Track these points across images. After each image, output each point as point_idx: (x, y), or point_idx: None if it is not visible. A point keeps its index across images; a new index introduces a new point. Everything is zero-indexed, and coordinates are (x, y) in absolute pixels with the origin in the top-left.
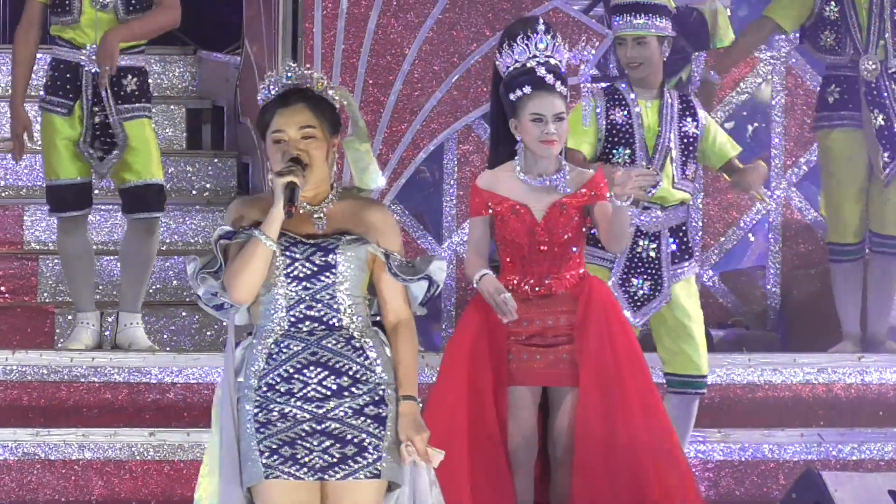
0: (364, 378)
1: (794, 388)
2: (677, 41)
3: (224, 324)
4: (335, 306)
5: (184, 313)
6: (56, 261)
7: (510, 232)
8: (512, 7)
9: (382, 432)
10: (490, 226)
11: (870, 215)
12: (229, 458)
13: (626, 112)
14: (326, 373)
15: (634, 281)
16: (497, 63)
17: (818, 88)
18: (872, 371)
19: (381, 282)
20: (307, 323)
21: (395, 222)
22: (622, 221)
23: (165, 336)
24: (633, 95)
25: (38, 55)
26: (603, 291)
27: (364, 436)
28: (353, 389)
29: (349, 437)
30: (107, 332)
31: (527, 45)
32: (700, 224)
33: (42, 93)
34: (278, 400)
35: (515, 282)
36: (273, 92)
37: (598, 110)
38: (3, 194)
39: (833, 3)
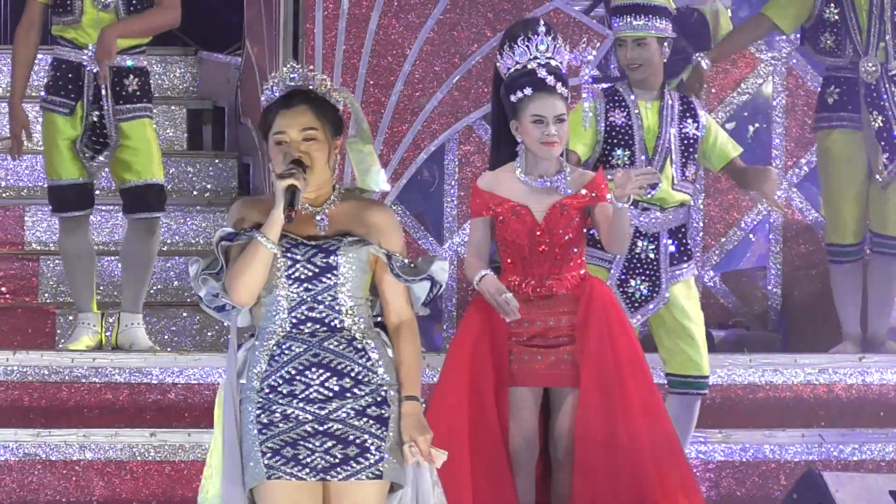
0: (366, 379)
1: (795, 388)
2: (678, 42)
3: (225, 324)
4: (337, 308)
5: (185, 314)
6: (57, 261)
7: (511, 233)
8: (513, 8)
9: (384, 433)
10: (491, 227)
11: (870, 216)
12: (231, 460)
13: (625, 113)
14: (328, 374)
15: (632, 282)
16: (498, 64)
17: (819, 89)
18: (873, 371)
19: (384, 283)
20: (309, 324)
21: (397, 223)
22: (623, 223)
23: (166, 336)
24: (633, 97)
25: (39, 55)
26: (604, 292)
27: (366, 437)
28: (356, 390)
29: (351, 437)
30: (108, 333)
31: (528, 46)
32: (701, 225)
33: (43, 93)
34: (280, 401)
35: (516, 283)
36: (276, 93)
37: (597, 112)
38: (4, 195)
39: (833, 4)
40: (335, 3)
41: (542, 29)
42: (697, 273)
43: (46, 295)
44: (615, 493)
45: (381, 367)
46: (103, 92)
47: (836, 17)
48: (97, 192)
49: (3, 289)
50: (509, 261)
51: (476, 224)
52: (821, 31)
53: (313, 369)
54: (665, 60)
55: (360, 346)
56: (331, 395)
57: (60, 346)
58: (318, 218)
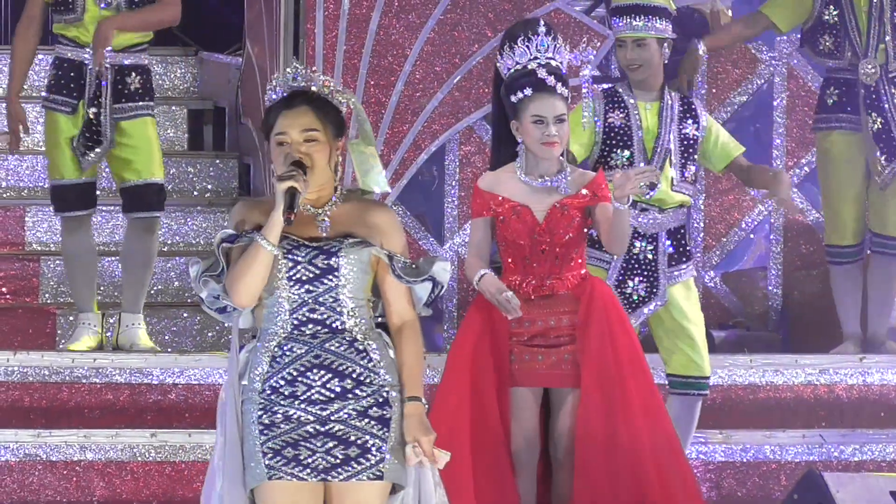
0: (368, 380)
1: (795, 388)
2: (678, 43)
3: (226, 325)
4: (338, 309)
5: (185, 314)
6: (58, 262)
7: (511, 233)
8: (513, 8)
9: (386, 434)
10: (491, 227)
11: (870, 216)
12: (233, 460)
13: (624, 114)
14: (330, 375)
15: (630, 283)
16: (498, 65)
17: (819, 89)
18: (874, 372)
19: (385, 284)
20: (310, 326)
21: (399, 223)
22: (623, 223)
23: (167, 337)
24: (632, 98)
25: (40, 56)
26: (604, 291)
27: (367, 437)
28: (357, 391)
29: (352, 438)
30: (108, 333)
31: (528, 46)
32: (702, 225)
33: (45, 92)
34: (282, 403)
35: (517, 282)
36: (278, 94)
37: (596, 113)
38: (4, 195)
39: (832, 6)
40: (336, 4)
41: (542, 29)
42: (697, 274)
43: (47, 295)
44: (615, 494)
45: (382, 368)
46: (103, 83)
47: (836, 18)
48: (98, 192)
49: (4, 289)
50: (510, 261)
51: (477, 224)
52: (820, 32)
53: (315, 370)
54: (665, 61)
55: (361, 347)
56: (332, 396)
57: (61, 346)
58: (319, 219)
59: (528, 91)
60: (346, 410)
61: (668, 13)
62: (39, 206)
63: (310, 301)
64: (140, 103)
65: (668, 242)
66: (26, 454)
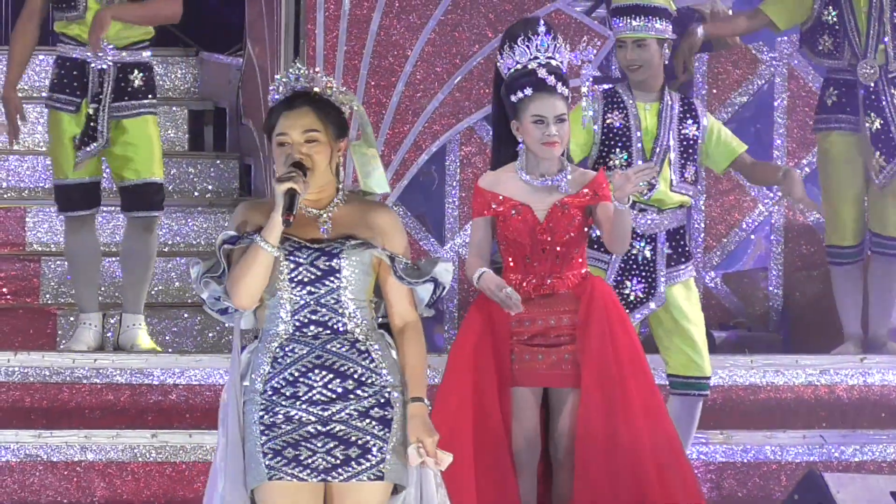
0: (369, 381)
1: (796, 389)
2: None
3: (227, 326)
4: (340, 310)
5: (186, 315)
6: (58, 262)
7: (512, 232)
8: (514, 9)
9: (387, 434)
10: (492, 226)
11: (870, 216)
12: (234, 461)
13: (623, 115)
14: (331, 376)
15: (628, 283)
16: (498, 64)
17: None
18: (875, 373)
19: (387, 285)
20: (312, 327)
21: (401, 224)
22: (624, 223)
23: (168, 337)
24: (632, 99)
25: (41, 56)
26: (605, 291)
27: (368, 437)
28: (359, 392)
29: (353, 438)
30: (109, 334)
31: (528, 46)
32: (702, 226)
33: (48, 91)
34: (284, 403)
35: (517, 282)
36: (280, 94)
37: (594, 114)
38: (5, 196)
39: (831, 7)
40: (336, 4)
41: (542, 29)
42: (697, 274)
43: (48, 296)
44: (616, 494)
45: (384, 369)
46: (106, 88)
47: (835, 19)
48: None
49: (5, 289)
50: (510, 260)
51: (477, 224)
52: (819, 33)
53: (316, 371)
54: (665, 62)
55: (363, 348)
56: (334, 396)
57: (62, 346)
58: (321, 221)
59: (528, 91)
60: (347, 411)
61: (669, 14)
62: (40, 207)
63: (311, 303)
64: (143, 101)
65: (667, 243)
66: (27, 455)
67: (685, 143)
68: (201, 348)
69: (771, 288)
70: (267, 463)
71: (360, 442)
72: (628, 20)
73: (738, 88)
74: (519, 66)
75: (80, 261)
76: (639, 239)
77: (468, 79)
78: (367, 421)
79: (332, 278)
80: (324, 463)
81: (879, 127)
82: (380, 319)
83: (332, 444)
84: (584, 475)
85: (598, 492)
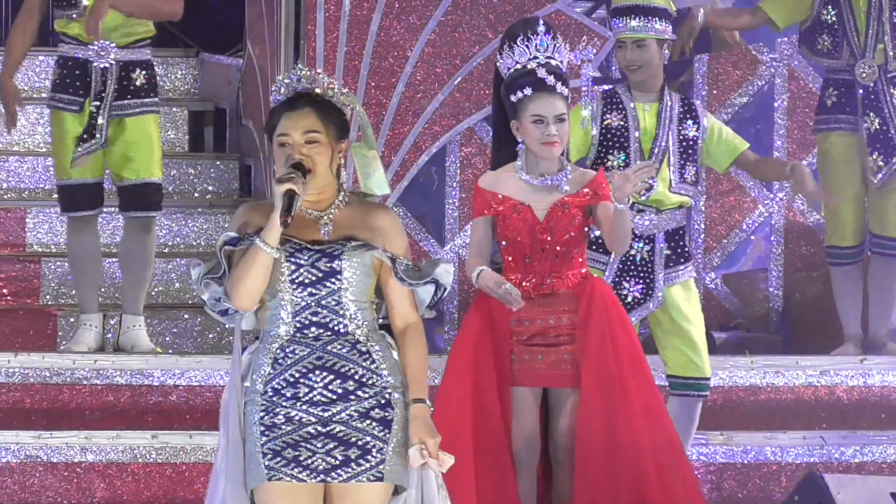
0: (370, 382)
1: (796, 390)
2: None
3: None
4: (341, 312)
5: (186, 316)
6: (58, 263)
7: (512, 231)
8: (514, 9)
9: (387, 435)
10: (492, 226)
11: (870, 217)
12: (235, 461)
13: (622, 116)
14: (332, 377)
15: (626, 284)
16: (498, 64)
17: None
18: (875, 373)
19: (388, 286)
20: (313, 329)
21: (401, 226)
22: (624, 223)
23: (168, 338)
24: (631, 99)
25: (41, 56)
26: (605, 291)
27: (368, 438)
28: (359, 393)
29: (353, 439)
30: (109, 335)
31: (527, 46)
32: (702, 227)
33: (51, 91)
34: (284, 404)
35: (517, 281)
36: (282, 94)
37: (593, 114)
38: (5, 196)
39: (830, 6)
40: (336, 5)
41: (541, 28)
42: (697, 275)
43: (48, 297)
44: (615, 494)
45: (385, 370)
46: (109, 86)
47: (834, 18)
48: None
49: (5, 290)
50: (510, 259)
51: (477, 223)
52: (818, 32)
53: (317, 372)
54: (665, 62)
55: (364, 349)
56: (334, 397)
57: (62, 347)
58: (322, 223)
59: (527, 91)
60: (347, 412)
61: (669, 14)
62: (40, 208)
63: (312, 304)
64: (145, 99)
65: (665, 244)
66: (27, 455)
67: (685, 143)
68: (202, 349)
69: (771, 289)
70: (266, 463)
71: (359, 443)
72: (628, 20)
73: (738, 89)
74: (518, 66)
75: (82, 261)
76: (637, 240)
77: (468, 80)
78: (368, 422)
79: (333, 280)
80: (323, 464)
81: (878, 127)
82: (380, 320)
83: (331, 445)
84: (584, 475)
85: (598, 492)
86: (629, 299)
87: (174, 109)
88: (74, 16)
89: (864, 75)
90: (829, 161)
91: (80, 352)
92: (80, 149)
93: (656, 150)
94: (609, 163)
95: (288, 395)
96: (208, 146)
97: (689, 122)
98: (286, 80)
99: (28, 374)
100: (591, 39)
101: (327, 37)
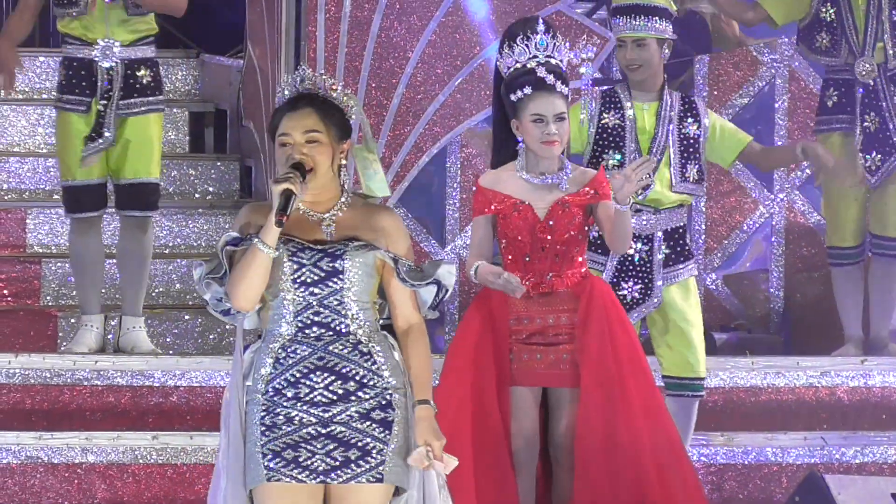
0: (371, 383)
1: (797, 391)
2: (680, 44)
3: (228, 327)
4: (343, 312)
5: (187, 317)
6: (59, 264)
7: (512, 229)
8: (515, 10)
9: (387, 436)
10: (493, 225)
11: (870, 217)
12: (236, 460)
13: (619, 115)
14: (333, 377)
15: (625, 284)
16: (498, 64)
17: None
18: (875, 374)
19: (391, 287)
20: (315, 328)
21: (404, 227)
22: (625, 223)
23: (168, 339)
24: (629, 99)
25: (41, 57)
26: (604, 290)
27: (368, 440)
28: (360, 394)
29: (353, 440)
30: (109, 336)
31: (527, 45)
32: (703, 227)
33: (57, 93)
34: (285, 404)
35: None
36: (286, 95)
37: (590, 114)
38: (6, 197)
39: (829, 4)
40: (337, 6)
41: (541, 28)
42: (697, 274)
43: (48, 298)
44: (615, 494)
45: (386, 371)
46: (115, 86)
47: (833, 16)
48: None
49: (5, 291)
50: (510, 258)
51: (478, 222)
52: (816, 30)
53: (318, 372)
54: (665, 62)
55: (365, 349)
56: (335, 398)
57: (62, 348)
58: (325, 224)
59: (527, 90)
60: (348, 412)
61: (669, 14)
62: (41, 209)
63: (314, 304)
64: (150, 98)
65: (664, 243)
66: (28, 456)
67: (685, 142)
68: (202, 350)
69: (772, 290)
70: (266, 464)
71: (359, 444)
72: (628, 19)
73: (738, 90)
74: (518, 66)
75: (85, 262)
76: (635, 240)
77: (469, 80)
78: (368, 423)
79: (335, 280)
80: (323, 465)
81: (878, 125)
82: (382, 321)
83: (332, 446)
84: (584, 475)
85: (598, 492)
86: (628, 299)
87: (175, 110)
88: (74, 14)
89: (863, 73)
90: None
91: (80, 353)
92: (88, 148)
93: (654, 150)
94: (604, 162)
95: (289, 395)
96: (209, 147)
97: (690, 120)
98: (289, 82)
99: (29, 375)
100: (592, 39)
101: (328, 38)
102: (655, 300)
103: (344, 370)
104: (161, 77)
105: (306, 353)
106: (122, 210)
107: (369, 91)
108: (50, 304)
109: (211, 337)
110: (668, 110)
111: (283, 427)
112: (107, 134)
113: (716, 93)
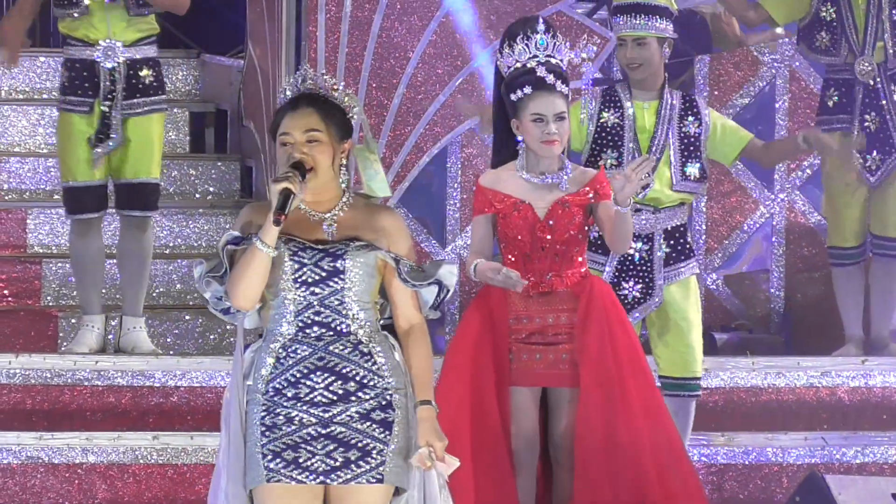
0: (371, 383)
1: (797, 391)
2: (680, 44)
3: (228, 327)
4: (343, 312)
5: (187, 317)
6: (60, 264)
7: (512, 229)
8: (515, 10)
9: (388, 437)
10: (493, 224)
11: (871, 218)
12: (236, 459)
13: (619, 114)
14: (333, 378)
15: (625, 284)
16: (498, 63)
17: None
18: (876, 374)
19: (392, 287)
20: (315, 328)
21: (405, 227)
22: (625, 224)
23: (169, 339)
24: (629, 98)
25: (42, 58)
26: (604, 290)
27: (368, 440)
28: (360, 394)
29: (353, 441)
30: (110, 336)
31: (527, 45)
32: (703, 227)
33: (60, 95)
34: (285, 404)
35: None
36: (287, 95)
37: (589, 113)
38: (6, 197)
39: (829, 3)
40: (338, 6)
41: (541, 27)
42: (699, 272)
43: (49, 298)
44: (616, 494)
45: (386, 371)
46: (118, 87)
47: (833, 15)
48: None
49: (6, 291)
50: (510, 257)
51: (478, 221)
52: (816, 29)
53: (318, 373)
54: (666, 61)
55: (366, 350)
56: (335, 398)
57: (63, 348)
58: (326, 224)
59: (527, 89)
60: (348, 413)
61: (670, 13)
62: (41, 209)
63: (315, 303)
64: (154, 98)
65: (665, 242)
66: (28, 457)
67: (686, 140)
68: (203, 350)
69: (772, 290)
70: (266, 465)
71: (359, 444)
72: (629, 18)
73: (739, 90)
74: (518, 65)
75: (85, 263)
76: (635, 239)
77: (469, 81)
78: (368, 423)
79: (336, 279)
80: (323, 465)
81: (878, 125)
82: (383, 321)
83: (331, 447)
84: (584, 475)
85: (598, 492)
86: (629, 299)
87: (175, 110)
88: (76, 15)
89: (864, 72)
90: (831, 162)
91: (81, 353)
92: (98, 150)
93: (654, 149)
94: (601, 161)
95: (289, 394)
96: (209, 147)
97: (691, 118)
98: (291, 82)
99: (29, 376)
100: (592, 39)
101: (328, 38)
102: (657, 299)
103: (344, 370)
104: (163, 77)
105: (307, 353)
106: (122, 210)
107: (370, 91)
108: (50, 304)
109: (211, 337)
110: (668, 109)
111: (284, 427)
112: (114, 136)
113: (716, 93)
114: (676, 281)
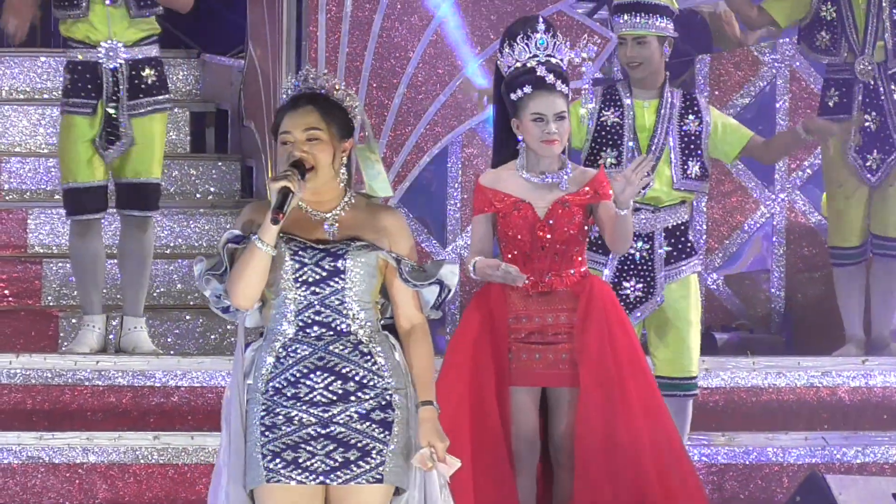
0: (371, 383)
1: (798, 391)
2: (680, 44)
3: (229, 327)
4: (344, 311)
5: (188, 317)
6: (60, 264)
7: (512, 228)
8: (516, 10)
9: (387, 437)
10: (493, 224)
11: (871, 218)
12: (236, 458)
13: (619, 113)
14: (333, 378)
15: (626, 283)
16: (499, 63)
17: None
18: (876, 374)
19: (393, 287)
20: (316, 328)
21: (407, 227)
22: (626, 225)
23: (170, 339)
24: (629, 97)
25: (43, 58)
26: (604, 290)
27: (368, 440)
28: (360, 394)
29: (353, 441)
30: (111, 336)
31: (527, 44)
32: (704, 227)
33: (62, 97)
34: (285, 404)
35: None
36: (288, 95)
37: (589, 112)
38: (7, 197)
39: (830, 3)
40: (338, 6)
41: (541, 27)
42: (701, 270)
43: (49, 298)
44: (616, 494)
45: (386, 372)
46: (121, 87)
47: (833, 15)
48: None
49: (7, 291)
50: (510, 257)
51: (478, 220)
52: (817, 29)
53: (318, 372)
54: (666, 60)
55: (366, 350)
56: (334, 398)
57: (63, 348)
58: (328, 224)
59: (527, 89)
60: (348, 413)
61: (670, 12)
62: (42, 209)
63: (315, 303)
64: (157, 97)
65: (665, 241)
66: (29, 457)
67: (686, 139)
68: (203, 350)
69: (773, 290)
70: (266, 465)
71: (359, 445)
72: (629, 17)
73: (739, 90)
74: (519, 65)
75: (86, 264)
76: (635, 238)
77: (469, 81)
78: (368, 424)
79: (336, 279)
80: (323, 466)
81: (879, 124)
82: (384, 321)
83: (331, 447)
84: (584, 475)
85: (598, 492)
86: (630, 299)
87: (176, 110)
88: (79, 15)
89: (864, 71)
90: (832, 162)
91: (81, 353)
92: (111, 151)
93: (654, 148)
94: (601, 160)
95: (289, 394)
96: (210, 147)
97: (691, 116)
98: (292, 82)
99: (30, 376)
100: (593, 39)
101: (329, 38)
102: (658, 299)
103: (344, 370)
104: (166, 77)
105: (307, 352)
106: (122, 210)
107: (370, 91)
108: (51, 304)
109: (212, 337)
110: (668, 108)
111: (283, 427)
112: (125, 138)
113: (717, 93)
114: (678, 279)
